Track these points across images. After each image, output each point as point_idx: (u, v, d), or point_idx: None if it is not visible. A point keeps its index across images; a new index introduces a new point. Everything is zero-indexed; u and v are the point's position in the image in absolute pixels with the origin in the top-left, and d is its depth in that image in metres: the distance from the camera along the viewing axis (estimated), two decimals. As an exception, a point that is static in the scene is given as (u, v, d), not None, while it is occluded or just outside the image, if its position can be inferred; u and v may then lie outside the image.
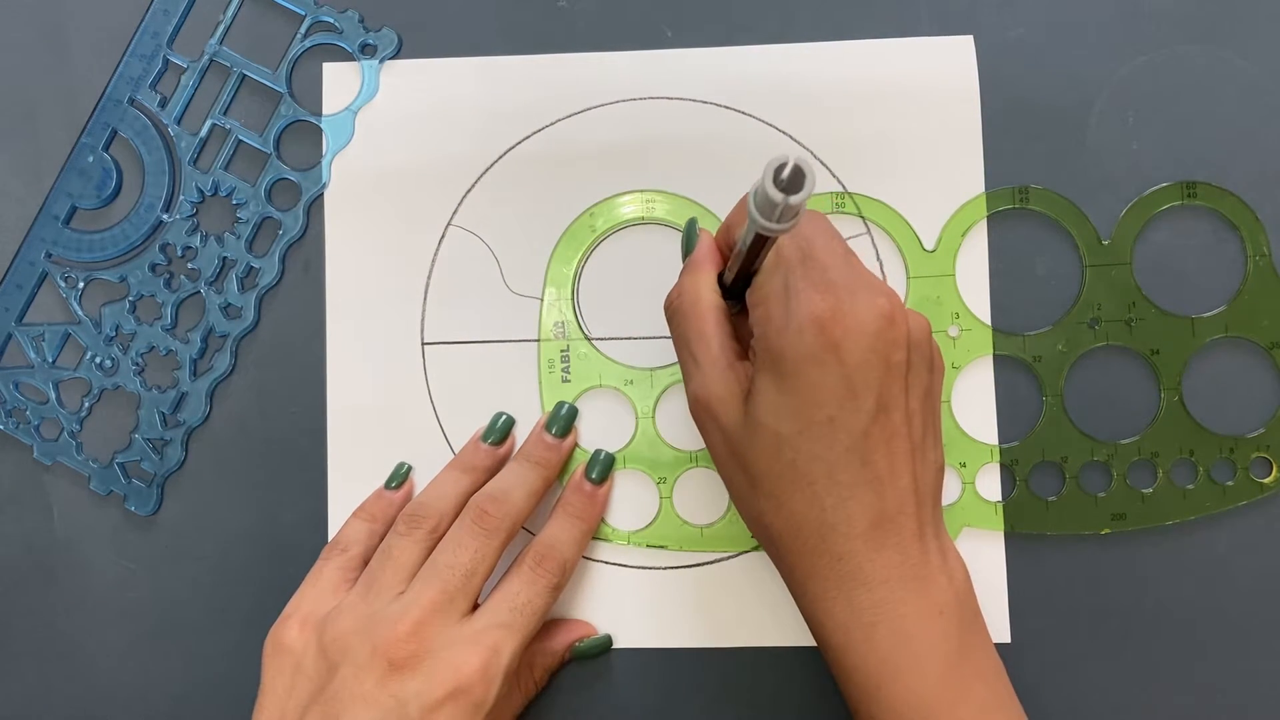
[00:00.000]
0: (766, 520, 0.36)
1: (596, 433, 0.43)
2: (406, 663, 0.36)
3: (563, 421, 0.43)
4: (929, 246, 0.43)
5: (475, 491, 0.41)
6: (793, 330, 0.34)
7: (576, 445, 0.43)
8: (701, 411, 0.37)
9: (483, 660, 0.36)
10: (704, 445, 0.38)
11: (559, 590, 0.40)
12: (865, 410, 0.34)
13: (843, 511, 0.34)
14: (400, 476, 0.43)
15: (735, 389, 0.36)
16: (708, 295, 0.38)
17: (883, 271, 0.43)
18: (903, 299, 0.43)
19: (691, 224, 0.40)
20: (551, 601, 0.39)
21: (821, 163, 0.43)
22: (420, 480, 0.43)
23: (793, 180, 0.29)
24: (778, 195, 0.29)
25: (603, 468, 0.42)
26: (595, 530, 0.42)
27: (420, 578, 0.38)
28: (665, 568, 0.43)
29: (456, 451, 0.43)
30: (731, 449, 0.36)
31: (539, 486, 0.41)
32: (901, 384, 0.35)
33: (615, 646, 0.43)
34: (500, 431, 0.43)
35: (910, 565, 0.34)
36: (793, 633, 0.42)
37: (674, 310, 0.38)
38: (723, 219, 0.41)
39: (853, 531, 0.34)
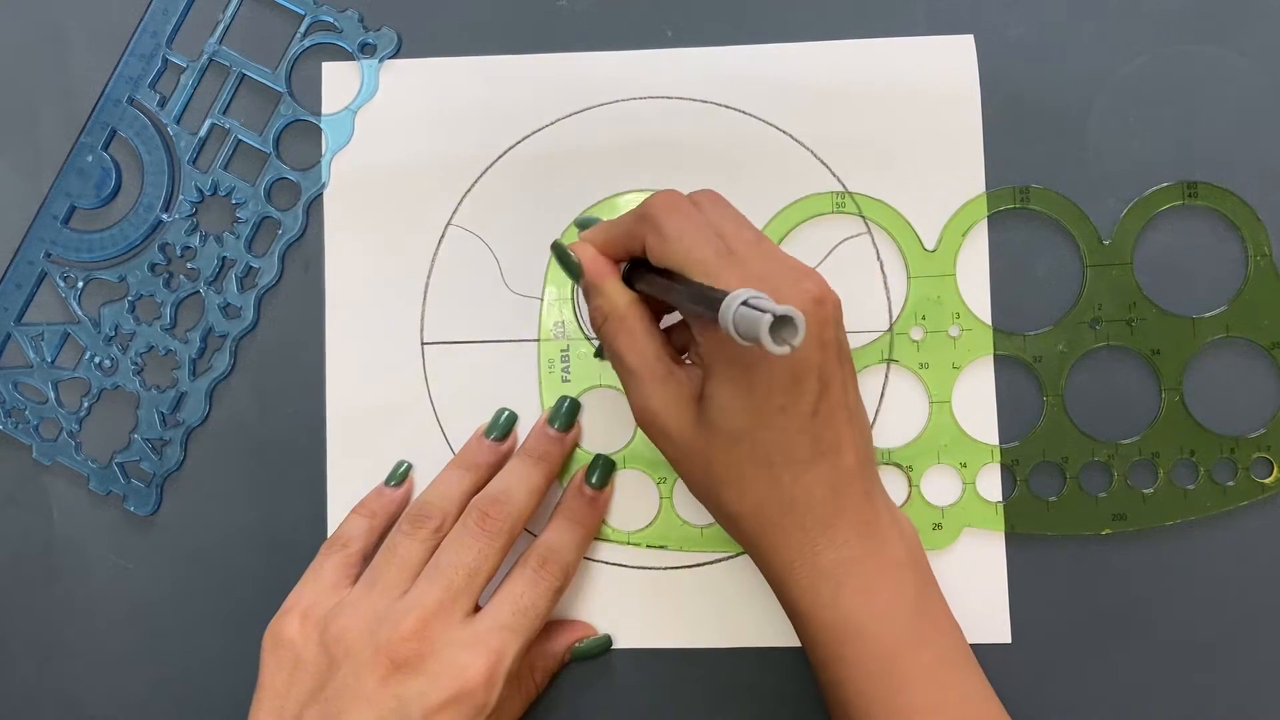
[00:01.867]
0: (730, 508, 0.36)
1: (596, 432, 0.43)
2: (409, 662, 0.36)
3: (565, 416, 0.43)
4: (929, 246, 0.43)
5: (479, 489, 0.41)
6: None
7: (579, 442, 0.43)
8: (649, 423, 0.37)
9: (487, 664, 0.36)
10: None
11: (560, 593, 0.40)
12: (811, 392, 0.35)
13: (801, 486, 0.36)
14: (399, 475, 0.43)
15: (680, 394, 0.36)
16: (628, 306, 0.38)
17: (883, 271, 0.43)
18: (903, 300, 0.43)
19: (560, 248, 0.39)
20: (553, 605, 0.39)
21: (821, 162, 0.43)
22: (420, 479, 0.43)
23: (784, 329, 0.30)
24: (773, 347, 0.29)
25: (603, 473, 0.42)
26: (595, 534, 0.42)
27: (424, 577, 0.38)
28: (665, 568, 0.43)
29: (456, 451, 0.43)
30: (686, 452, 0.37)
31: (541, 483, 0.41)
32: (835, 358, 0.36)
33: (615, 647, 0.43)
34: (503, 427, 0.43)
35: (866, 524, 0.36)
36: (793, 633, 0.42)
37: (602, 329, 0.38)
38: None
39: (813, 501, 0.36)
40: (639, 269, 0.38)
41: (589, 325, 0.40)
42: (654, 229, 0.36)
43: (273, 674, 0.37)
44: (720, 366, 0.35)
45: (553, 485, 0.42)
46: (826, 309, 0.35)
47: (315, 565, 0.40)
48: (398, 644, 0.36)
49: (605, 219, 0.39)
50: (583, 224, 0.40)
